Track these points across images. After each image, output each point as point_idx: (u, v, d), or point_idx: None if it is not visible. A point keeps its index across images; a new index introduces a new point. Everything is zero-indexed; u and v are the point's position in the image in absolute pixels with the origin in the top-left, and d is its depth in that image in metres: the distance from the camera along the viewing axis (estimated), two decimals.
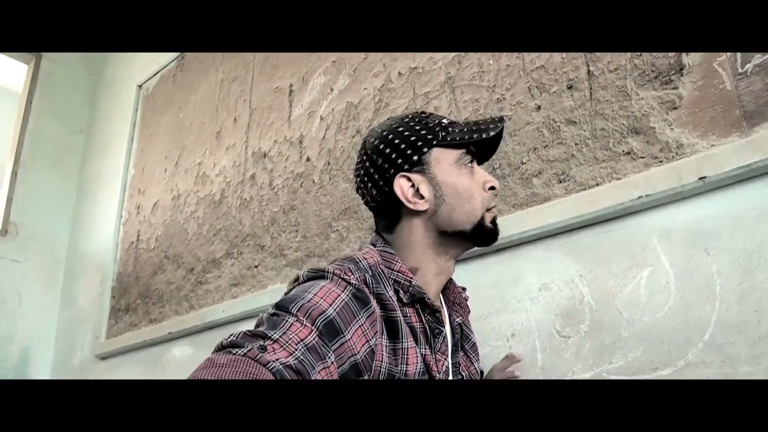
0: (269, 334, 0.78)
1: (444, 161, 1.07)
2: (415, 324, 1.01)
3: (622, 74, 1.33)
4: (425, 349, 1.01)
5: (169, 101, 2.98)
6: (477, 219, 1.07)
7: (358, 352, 0.87)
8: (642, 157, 1.27)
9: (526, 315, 1.37)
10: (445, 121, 1.09)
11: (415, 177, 1.05)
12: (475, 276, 1.46)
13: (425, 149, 1.05)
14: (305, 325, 0.81)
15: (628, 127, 1.30)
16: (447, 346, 1.09)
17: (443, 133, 1.06)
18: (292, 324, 0.80)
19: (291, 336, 0.78)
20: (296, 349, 0.77)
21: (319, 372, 0.79)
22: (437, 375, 1.03)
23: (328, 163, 1.96)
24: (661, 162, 1.24)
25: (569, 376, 1.27)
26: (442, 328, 1.07)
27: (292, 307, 0.83)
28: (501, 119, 1.10)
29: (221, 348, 0.78)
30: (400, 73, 1.82)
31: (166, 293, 2.51)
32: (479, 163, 1.16)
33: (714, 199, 1.17)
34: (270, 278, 2.04)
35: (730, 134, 1.16)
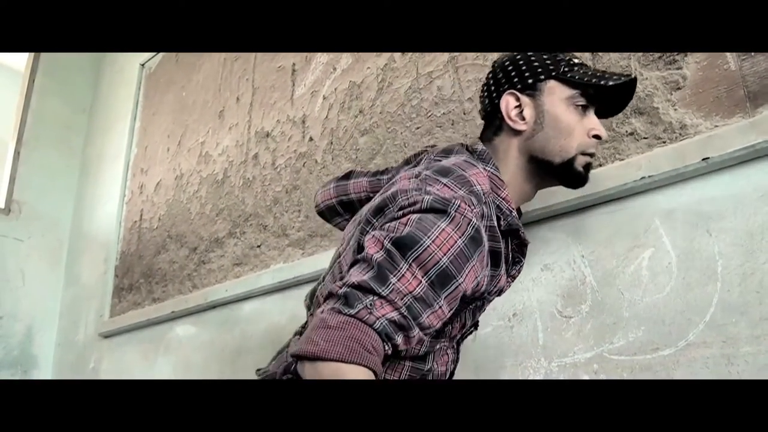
0: (378, 290, 0.84)
1: (557, 94, 1.09)
2: (503, 251, 1.05)
3: (626, 54, 1.32)
4: (505, 272, 1.08)
5: (172, 80, 2.97)
6: (569, 156, 1.09)
7: (468, 289, 0.93)
8: (645, 138, 1.26)
9: (528, 295, 1.37)
10: (576, 60, 1.12)
11: (524, 99, 1.10)
12: None
13: (542, 77, 1.09)
14: (416, 276, 0.87)
15: (631, 108, 1.29)
16: (520, 272, 1.16)
17: (566, 69, 1.10)
18: (403, 275, 0.87)
19: (400, 288, 0.86)
20: (403, 303, 0.85)
21: (427, 317, 0.87)
22: (504, 293, 1.13)
23: (331, 143, 1.96)
24: (664, 143, 1.24)
25: (570, 356, 1.27)
26: (522, 259, 1.13)
27: (409, 255, 0.88)
28: (628, 75, 1.11)
29: (332, 297, 0.87)
30: (403, 53, 1.81)
31: (169, 272, 2.52)
32: (604, 116, 1.18)
33: (717, 180, 1.17)
34: (272, 258, 2.05)
35: (734, 115, 1.16)
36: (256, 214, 2.18)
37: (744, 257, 1.10)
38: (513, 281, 1.15)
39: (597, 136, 1.11)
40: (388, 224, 0.93)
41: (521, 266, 1.14)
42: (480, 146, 1.12)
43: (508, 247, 1.08)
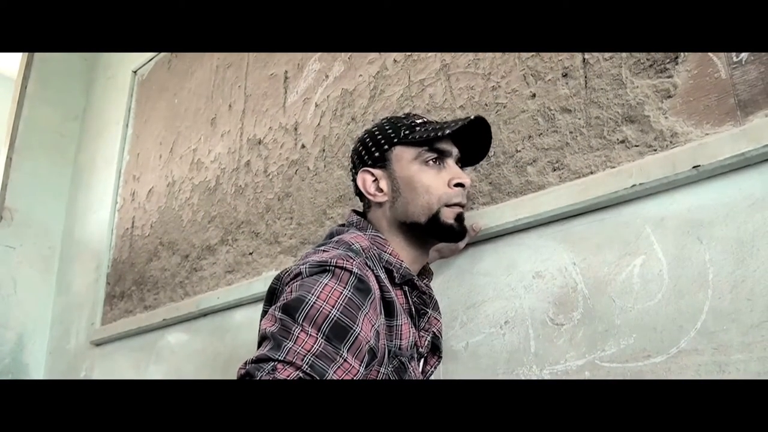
0: (275, 357, 0.84)
1: (405, 158, 1.16)
2: (402, 304, 1.09)
3: (618, 62, 1.33)
4: (413, 327, 1.10)
5: (164, 87, 2.97)
6: (432, 212, 1.14)
7: (371, 339, 0.93)
8: (636, 146, 1.27)
9: (520, 302, 1.37)
10: (417, 121, 1.18)
11: (377, 172, 1.17)
12: (468, 263, 1.46)
13: (386, 147, 1.16)
14: (310, 334, 0.87)
15: (622, 116, 1.30)
16: (431, 324, 1.19)
17: (406, 132, 1.15)
18: (297, 336, 0.87)
19: (297, 350, 0.85)
20: (305, 362, 0.84)
21: (334, 373, 0.85)
22: (421, 349, 1.14)
23: (323, 150, 1.96)
24: (655, 150, 1.24)
25: (562, 364, 1.27)
26: (428, 310, 1.18)
27: (298, 316, 0.89)
28: (467, 118, 1.16)
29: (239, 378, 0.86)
30: (395, 60, 1.81)
31: (161, 280, 2.51)
32: (468, 163, 1.26)
33: (707, 187, 1.17)
34: (264, 265, 2.04)
35: (725, 123, 1.16)
36: (248, 222, 2.17)
37: (735, 265, 1.10)
38: (428, 335, 1.17)
39: (459, 185, 1.15)
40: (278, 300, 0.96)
41: (430, 317, 1.18)
42: (354, 217, 1.20)
43: (409, 300, 1.12)
